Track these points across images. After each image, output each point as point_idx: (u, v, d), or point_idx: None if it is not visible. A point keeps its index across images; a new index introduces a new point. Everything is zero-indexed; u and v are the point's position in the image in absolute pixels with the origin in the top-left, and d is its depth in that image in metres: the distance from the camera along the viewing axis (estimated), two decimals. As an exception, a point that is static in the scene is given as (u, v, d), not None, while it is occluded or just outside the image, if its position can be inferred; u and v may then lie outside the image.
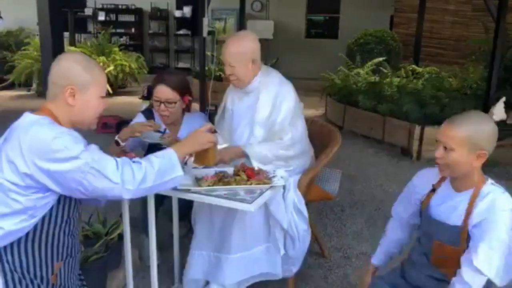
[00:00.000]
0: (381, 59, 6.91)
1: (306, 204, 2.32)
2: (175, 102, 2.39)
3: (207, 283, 2.28)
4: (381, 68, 6.67)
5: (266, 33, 10.28)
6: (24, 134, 1.38)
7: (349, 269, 2.66)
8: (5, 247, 1.39)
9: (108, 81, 8.16)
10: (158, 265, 2.58)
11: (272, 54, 9.64)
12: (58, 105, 1.48)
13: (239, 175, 1.86)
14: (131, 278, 2.11)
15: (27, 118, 1.44)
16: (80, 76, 1.48)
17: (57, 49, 2.06)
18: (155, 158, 1.52)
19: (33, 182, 1.35)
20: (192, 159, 1.96)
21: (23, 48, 8.37)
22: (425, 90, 5.42)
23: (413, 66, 6.89)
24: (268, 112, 2.23)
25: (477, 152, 1.48)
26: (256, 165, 2.04)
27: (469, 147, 1.47)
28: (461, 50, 8.19)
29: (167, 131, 2.34)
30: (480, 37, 7.16)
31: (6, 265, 1.39)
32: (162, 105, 2.38)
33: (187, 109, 2.54)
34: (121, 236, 2.27)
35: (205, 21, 4.82)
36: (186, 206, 2.38)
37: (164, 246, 2.66)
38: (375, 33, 8.42)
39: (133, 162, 1.48)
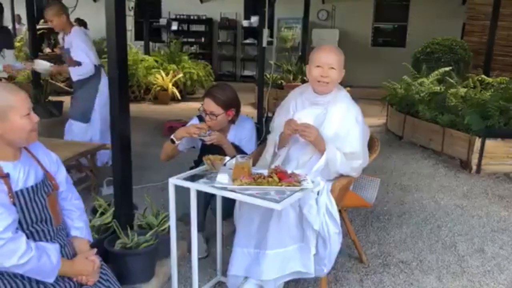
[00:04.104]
0: (447, 68, 6.68)
1: (342, 209, 2.40)
2: (218, 115, 2.67)
3: (247, 278, 2.43)
4: (447, 78, 6.46)
5: (331, 41, 10.31)
6: None
7: (386, 276, 2.68)
8: None
9: (177, 87, 8.71)
10: (205, 258, 2.82)
11: (335, 63, 9.63)
12: None
13: (271, 177, 2.01)
14: (175, 266, 2.34)
15: None
16: None
17: (121, 60, 2.30)
18: (47, 256, 1.59)
19: None
20: (233, 161, 2.16)
21: (103, 56, 9.11)
22: (491, 101, 5.18)
23: (482, 76, 6.60)
24: (335, 129, 2.34)
25: None
26: (322, 163, 2.26)
27: None
28: (539, 59, 7.68)
29: (211, 131, 2.64)
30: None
31: None
32: (207, 116, 2.69)
33: (231, 121, 2.81)
34: (171, 228, 2.50)
35: (265, 32, 5.04)
36: (233, 206, 2.57)
37: (212, 241, 2.87)
38: (443, 42, 8.14)
39: (28, 248, 1.53)
